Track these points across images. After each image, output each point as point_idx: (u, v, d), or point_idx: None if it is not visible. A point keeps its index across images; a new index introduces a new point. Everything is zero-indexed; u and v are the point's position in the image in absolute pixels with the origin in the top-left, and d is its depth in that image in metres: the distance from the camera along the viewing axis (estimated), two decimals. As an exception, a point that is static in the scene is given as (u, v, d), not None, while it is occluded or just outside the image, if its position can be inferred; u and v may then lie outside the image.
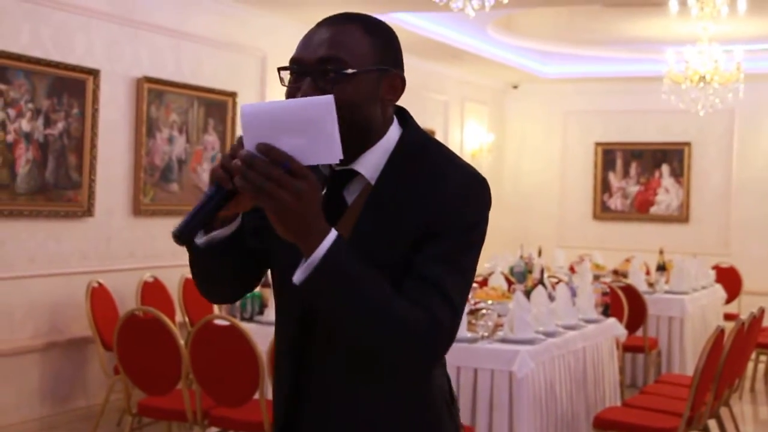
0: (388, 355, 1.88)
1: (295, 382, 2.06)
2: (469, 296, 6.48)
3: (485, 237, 2.01)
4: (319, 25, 1.96)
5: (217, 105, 8.61)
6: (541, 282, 7.07)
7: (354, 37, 1.91)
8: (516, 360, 5.32)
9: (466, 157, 13.00)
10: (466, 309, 5.80)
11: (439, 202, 1.90)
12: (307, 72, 1.90)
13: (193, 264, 2.04)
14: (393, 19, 9.46)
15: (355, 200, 1.97)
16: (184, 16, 8.20)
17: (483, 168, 13.34)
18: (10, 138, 6.68)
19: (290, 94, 1.92)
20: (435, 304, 1.85)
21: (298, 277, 1.78)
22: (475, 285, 7.51)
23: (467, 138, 13.09)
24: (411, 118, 2.05)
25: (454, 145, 12.72)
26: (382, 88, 1.94)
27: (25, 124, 6.79)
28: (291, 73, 1.95)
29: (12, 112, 6.69)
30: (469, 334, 5.51)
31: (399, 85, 1.98)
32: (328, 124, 1.73)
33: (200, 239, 1.94)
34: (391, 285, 1.85)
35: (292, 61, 1.95)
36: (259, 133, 1.73)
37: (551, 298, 6.50)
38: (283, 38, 9.32)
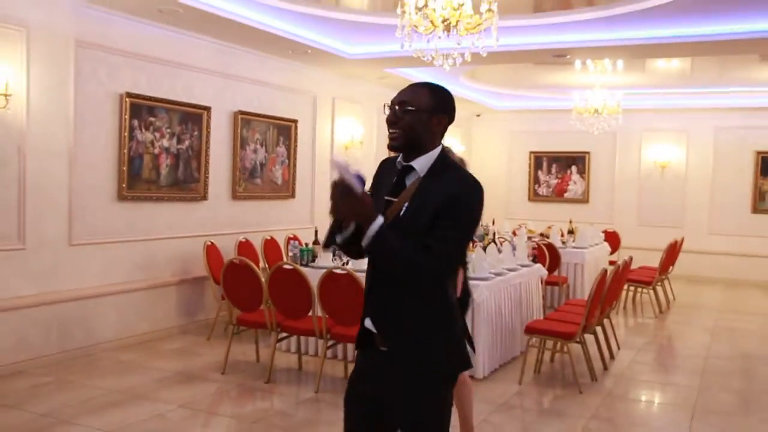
0: (410, 276, 2.12)
1: (369, 292, 2.29)
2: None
3: (479, 219, 2.20)
4: (410, 86, 2.27)
5: (285, 128, 8.59)
6: (493, 241, 7.16)
7: (421, 93, 2.24)
8: (476, 290, 5.38)
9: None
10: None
11: (450, 196, 2.14)
12: (392, 108, 2.25)
13: (344, 251, 2.31)
14: (399, 71, 9.40)
15: (411, 184, 2.23)
16: (264, 71, 8.20)
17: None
18: (156, 151, 6.76)
19: (387, 119, 2.25)
20: (433, 249, 2.09)
21: (363, 243, 2.08)
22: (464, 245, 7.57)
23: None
24: (449, 149, 2.45)
25: (438, 154, 12.69)
26: (432, 124, 2.24)
27: (165, 142, 6.86)
28: (389, 108, 2.26)
29: (158, 135, 6.78)
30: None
31: (444, 124, 2.28)
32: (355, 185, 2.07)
33: (339, 238, 2.23)
34: (411, 243, 2.09)
35: (391, 101, 2.26)
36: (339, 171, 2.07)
37: (500, 251, 6.56)
38: (327, 85, 9.39)
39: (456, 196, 2.14)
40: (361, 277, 5.38)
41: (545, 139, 13.27)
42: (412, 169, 2.24)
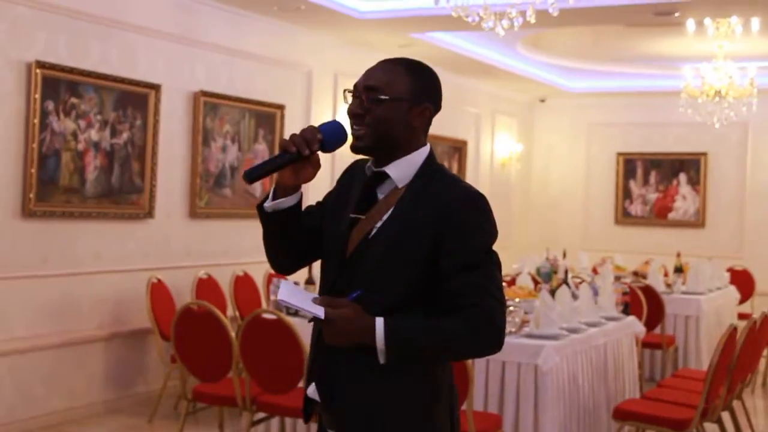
0: (468, 357, 2.42)
1: (316, 352, 2.44)
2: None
3: (496, 234, 2.35)
4: (380, 62, 2.40)
5: (266, 117, 8.63)
6: (565, 282, 7.06)
7: (395, 74, 2.35)
8: (541, 354, 5.32)
9: (496, 166, 13.02)
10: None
11: (453, 213, 2.28)
12: (357, 94, 2.36)
13: (265, 234, 2.50)
14: (429, 37, 9.48)
15: (385, 197, 2.37)
16: (237, 35, 8.24)
17: (511, 176, 13.34)
18: (80, 147, 6.76)
19: (348, 110, 2.38)
20: (484, 303, 2.24)
21: (381, 360, 2.24)
22: (503, 284, 7.51)
23: (497, 148, 13.05)
24: (432, 150, 2.47)
25: (484, 155, 12.71)
26: (412, 116, 2.36)
27: (93, 134, 6.86)
28: (353, 95, 2.38)
29: (82, 123, 6.78)
30: (498, 330, 5.51)
31: (428, 114, 2.40)
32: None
33: (268, 203, 2.41)
34: (438, 314, 2.27)
35: (354, 85, 2.38)
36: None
37: (575, 296, 6.49)
38: (327, 55, 9.38)
39: (462, 210, 2.30)
40: (307, 327, 5.38)
41: (640, 135, 13.25)
42: (385, 176, 2.39)
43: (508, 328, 5.57)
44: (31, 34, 6.41)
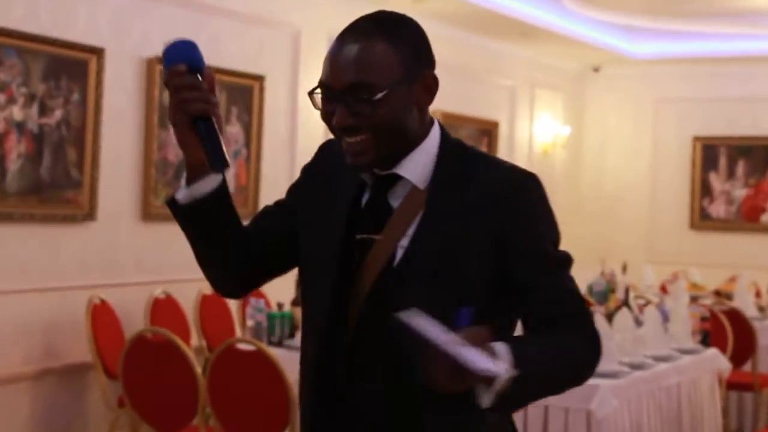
0: (578, 382, 2.26)
1: (317, 413, 2.30)
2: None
3: (556, 223, 2.31)
4: (342, 40, 2.22)
5: (241, 90, 8.66)
6: (626, 303, 7.07)
7: (379, 54, 2.18)
8: (595, 397, 5.31)
9: (536, 154, 13.04)
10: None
11: (509, 203, 2.19)
12: (338, 98, 2.17)
13: (191, 243, 2.40)
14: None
15: (403, 204, 2.24)
16: (204, -15, 8.27)
17: (557, 167, 13.35)
18: (-1, 128, 6.81)
19: (326, 119, 2.20)
20: (581, 317, 2.23)
21: (486, 403, 1.95)
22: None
23: (537, 131, 13.07)
24: (442, 125, 2.34)
25: (522, 139, 12.71)
26: (416, 95, 2.22)
27: (17, 112, 6.86)
28: (322, 96, 2.22)
29: (2, 97, 6.77)
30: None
31: (432, 84, 2.25)
32: None
33: (181, 195, 2.30)
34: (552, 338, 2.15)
35: (321, 85, 2.22)
36: None
37: (638, 322, 6.52)
38: (319, 12, 9.38)
39: (520, 200, 2.22)
40: (294, 361, 5.37)
41: (725, 115, 13.27)
42: (397, 178, 2.26)
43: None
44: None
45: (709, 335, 7.09)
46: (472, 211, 2.18)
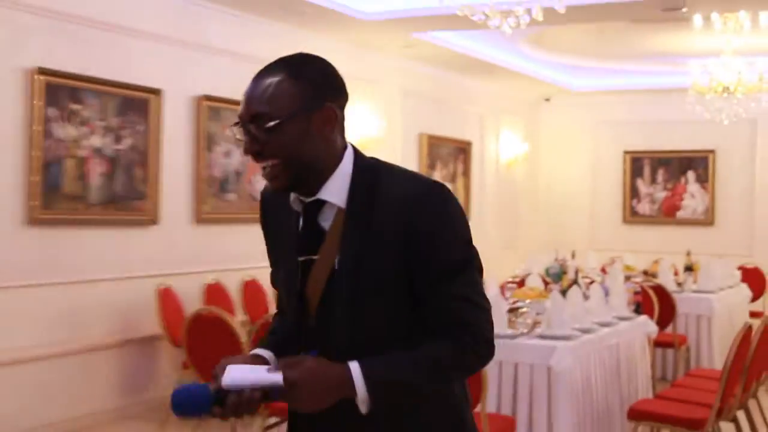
0: (462, 377, 2.13)
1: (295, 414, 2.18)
2: (508, 295, 6.55)
3: (468, 229, 2.05)
4: (254, 79, 2.02)
5: None
6: (575, 282, 7.05)
7: (277, 88, 1.98)
8: (554, 355, 5.32)
9: (502, 167, 12.99)
10: (506, 307, 5.84)
11: (411, 213, 1.96)
12: (245, 128, 1.99)
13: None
14: (431, 37, 9.48)
15: (332, 225, 2.02)
16: (240, 38, 8.24)
17: (518, 176, 13.32)
18: (83, 153, 6.77)
19: (244, 147, 2.01)
20: (471, 317, 2.00)
21: (363, 409, 1.90)
22: (512, 285, 7.52)
23: (502, 148, 13.02)
24: (356, 147, 2.10)
25: (489, 155, 12.69)
26: (314, 125, 1.99)
27: (96, 141, 6.87)
28: (240, 128, 2.01)
29: (85, 129, 6.80)
30: (509, 331, 5.51)
31: (333, 116, 2.01)
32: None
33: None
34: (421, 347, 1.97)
35: (239, 117, 2.01)
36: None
37: (586, 297, 6.48)
38: (331, 57, 9.33)
39: (424, 208, 1.97)
40: None
41: (648, 133, 13.27)
42: (322, 203, 2.04)
43: (520, 329, 5.59)
44: (31, 40, 6.43)
45: (640, 305, 7.05)
46: (381, 225, 1.98)
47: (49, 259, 6.62)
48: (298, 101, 1.97)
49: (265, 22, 8.43)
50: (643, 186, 13.37)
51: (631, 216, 13.41)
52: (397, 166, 2.09)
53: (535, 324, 5.67)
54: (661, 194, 13.26)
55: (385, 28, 8.77)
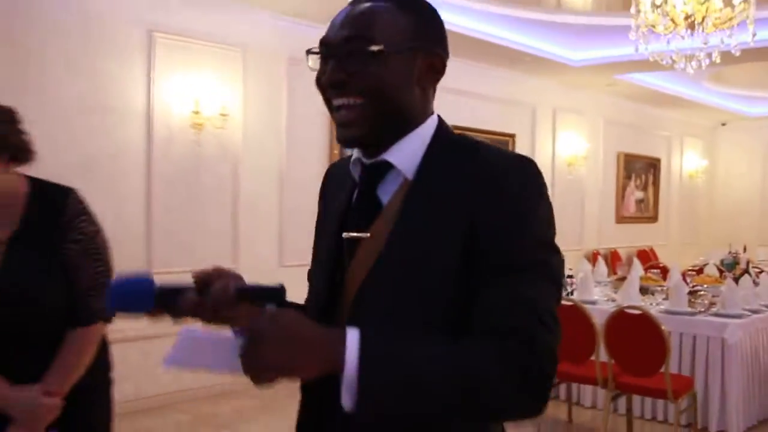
0: (487, 416, 1.16)
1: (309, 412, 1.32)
2: (689, 281, 6.22)
3: (553, 223, 1.20)
4: (350, 3, 1.26)
5: (500, 144, 8.40)
6: (746, 271, 6.69)
7: (384, 13, 1.22)
8: (727, 329, 5.11)
9: (685, 178, 12.35)
10: (686, 290, 5.54)
11: (487, 196, 1.15)
12: (332, 54, 1.22)
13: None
14: (629, 78, 9.17)
15: (392, 199, 1.24)
16: (477, 82, 8.20)
17: (698, 185, 12.66)
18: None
19: (317, 80, 1.24)
20: (529, 329, 1.10)
21: (347, 402, 1.03)
22: (692, 272, 7.15)
23: (685, 163, 12.39)
24: (442, 119, 1.31)
25: (674, 169, 12.14)
26: (420, 69, 1.23)
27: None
28: (320, 57, 1.25)
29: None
30: (689, 309, 5.30)
31: (440, 66, 1.26)
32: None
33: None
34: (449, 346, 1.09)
35: (320, 42, 1.25)
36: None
37: (755, 284, 6.17)
38: (547, 95, 9.24)
39: (503, 182, 1.15)
40: (664, 318, 4.74)
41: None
42: (386, 167, 1.25)
43: (697, 308, 5.31)
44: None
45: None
46: (451, 197, 1.16)
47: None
48: (408, 34, 1.21)
49: (495, 69, 8.41)
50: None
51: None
52: (493, 145, 1.24)
53: (711, 304, 5.43)
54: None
55: (590, 72, 8.59)
